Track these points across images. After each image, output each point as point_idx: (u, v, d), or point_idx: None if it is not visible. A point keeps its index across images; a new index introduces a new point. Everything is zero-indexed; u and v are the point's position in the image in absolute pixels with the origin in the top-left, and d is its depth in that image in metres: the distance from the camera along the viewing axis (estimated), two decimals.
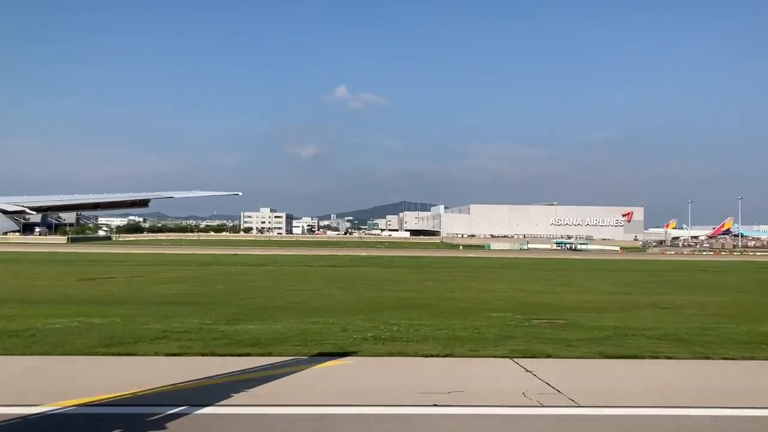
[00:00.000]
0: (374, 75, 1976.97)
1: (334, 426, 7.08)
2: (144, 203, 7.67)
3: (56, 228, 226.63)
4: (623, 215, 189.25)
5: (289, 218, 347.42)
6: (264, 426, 7.00)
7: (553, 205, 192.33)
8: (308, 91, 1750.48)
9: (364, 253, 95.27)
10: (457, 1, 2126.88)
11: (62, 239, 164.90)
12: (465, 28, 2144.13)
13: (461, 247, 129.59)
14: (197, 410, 7.45)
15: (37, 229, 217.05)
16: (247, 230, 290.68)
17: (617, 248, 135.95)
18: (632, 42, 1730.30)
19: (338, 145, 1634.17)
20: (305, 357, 10.92)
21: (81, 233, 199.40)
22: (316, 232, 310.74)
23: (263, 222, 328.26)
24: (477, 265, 63.01)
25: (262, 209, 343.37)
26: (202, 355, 11.01)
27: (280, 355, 10.95)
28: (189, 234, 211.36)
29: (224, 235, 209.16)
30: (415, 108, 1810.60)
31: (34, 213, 7.10)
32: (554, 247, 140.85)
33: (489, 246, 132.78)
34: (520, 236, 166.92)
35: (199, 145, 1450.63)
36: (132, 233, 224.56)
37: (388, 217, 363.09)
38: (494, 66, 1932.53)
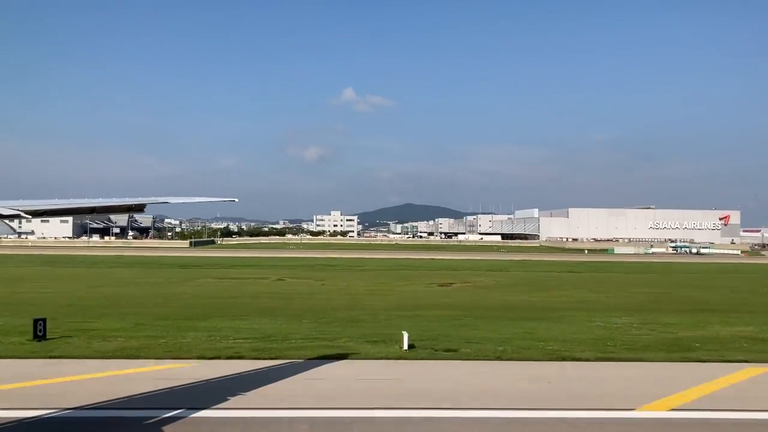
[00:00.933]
0: (380, 77, 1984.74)
1: None
2: (140, 208, 8.12)
3: (140, 231, 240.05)
4: (720, 218, 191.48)
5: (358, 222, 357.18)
6: None
7: (650, 208, 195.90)
8: (315, 94, 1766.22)
9: (512, 258, 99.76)
10: (464, 3, 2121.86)
11: (184, 243, 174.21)
12: (470, 30, 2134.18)
13: (586, 251, 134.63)
14: None
15: (131, 233, 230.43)
16: (322, 233, 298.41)
17: (738, 252, 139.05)
18: (632, 43, 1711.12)
19: (342, 147, 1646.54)
20: None
21: (197, 237, 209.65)
22: (365, 234, 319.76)
23: (335, 225, 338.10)
24: (717, 270, 70.10)
25: (333, 212, 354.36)
26: None
27: None
28: (292, 237, 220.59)
29: (325, 238, 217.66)
30: (417, 110, 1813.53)
31: (29, 217, 7.41)
32: (670, 250, 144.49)
33: (613, 250, 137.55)
34: (624, 240, 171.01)
35: (200, 148, 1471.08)
36: (228, 237, 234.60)
37: (439, 219, 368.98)
38: (497, 68, 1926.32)
